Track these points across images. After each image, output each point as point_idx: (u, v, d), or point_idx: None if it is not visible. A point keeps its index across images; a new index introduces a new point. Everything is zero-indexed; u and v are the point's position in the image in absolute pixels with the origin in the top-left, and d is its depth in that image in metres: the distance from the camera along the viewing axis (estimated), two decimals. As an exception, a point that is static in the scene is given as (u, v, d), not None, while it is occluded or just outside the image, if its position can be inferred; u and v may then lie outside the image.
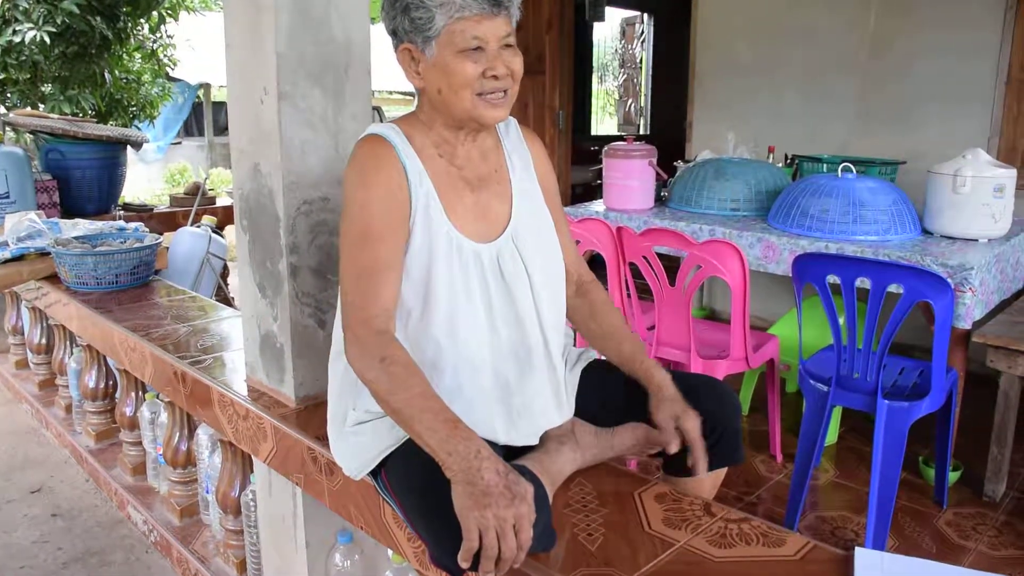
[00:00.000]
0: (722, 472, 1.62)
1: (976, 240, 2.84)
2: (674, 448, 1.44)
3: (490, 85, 1.35)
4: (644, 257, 2.76)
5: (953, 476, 2.76)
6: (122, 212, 4.28)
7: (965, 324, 2.54)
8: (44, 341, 3.62)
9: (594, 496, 1.48)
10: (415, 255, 1.38)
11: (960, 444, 2.81)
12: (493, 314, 1.43)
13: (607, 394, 1.60)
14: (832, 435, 3.13)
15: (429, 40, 1.33)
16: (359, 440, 1.45)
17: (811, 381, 2.49)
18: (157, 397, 2.67)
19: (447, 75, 1.34)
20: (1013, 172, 2.82)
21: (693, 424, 1.43)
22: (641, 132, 8.48)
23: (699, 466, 1.42)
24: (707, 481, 1.59)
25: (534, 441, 1.48)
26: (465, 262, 1.40)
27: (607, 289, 3.07)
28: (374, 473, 1.44)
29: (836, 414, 3.14)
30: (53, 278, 3.10)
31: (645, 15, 8.29)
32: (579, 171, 6.43)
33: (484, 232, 1.44)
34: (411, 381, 1.26)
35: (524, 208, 1.50)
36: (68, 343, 3.39)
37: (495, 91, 1.36)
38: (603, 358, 1.63)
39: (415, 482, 1.31)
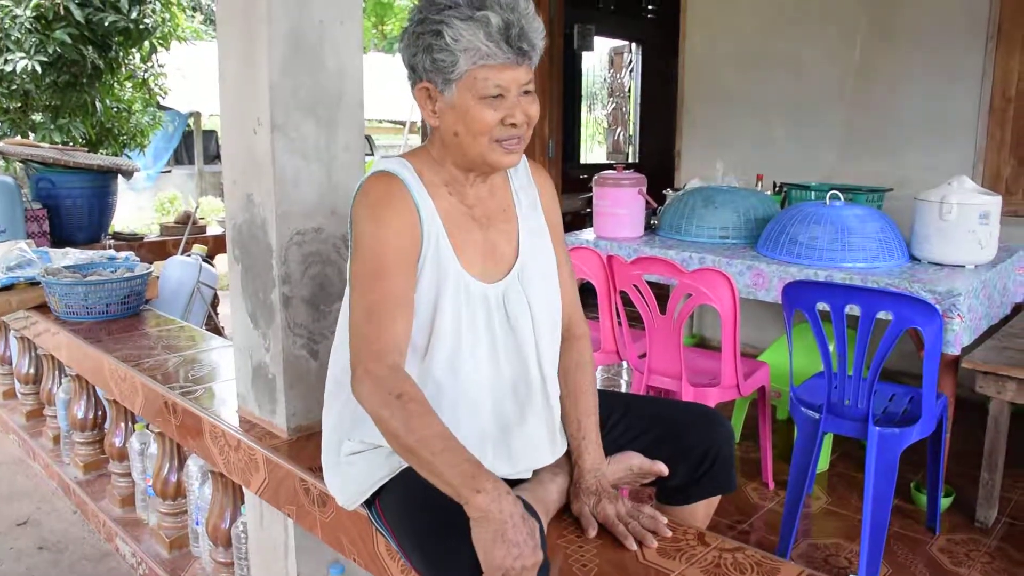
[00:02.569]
0: (715, 501, 1.62)
1: (963, 266, 2.86)
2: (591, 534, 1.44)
3: (507, 132, 1.34)
4: (634, 285, 2.78)
5: (945, 502, 2.76)
6: (112, 241, 4.28)
7: (954, 350, 2.56)
8: (32, 371, 3.60)
9: (588, 526, 1.47)
10: (423, 294, 1.37)
11: (951, 470, 2.81)
12: (497, 353, 1.42)
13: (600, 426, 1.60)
14: (824, 462, 3.13)
15: (450, 82, 1.32)
16: (354, 470, 1.44)
17: (802, 408, 2.50)
18: (147, 428, 2.65)
19: (465, 119, 1.33)
20: (998, 199, 2.85)
21: (609, 512, 1.44)
22: (630, 160, 8.54)
23: (627, 543, 1.40)
24: (700, 510, 1.59)
25: (527, 476, 1.48)
26: (472, 303, 1.40)
27: (598, 316, 3.09)
28: (368, 503, 1.44)
29: (827, 441, 3.14)
30: (43, 307, 3.09)
31: (633, 45, 8.38)
32: (569, 200, 6.46)
33: (491, 271, 1.44)
34: (429, 419, 1.23)
35: (530, 247, 1.50)
36: (57, 373, 3.36)
37: (511, 138, 1.35)
38: None
39: (411, 512, 1.30)
